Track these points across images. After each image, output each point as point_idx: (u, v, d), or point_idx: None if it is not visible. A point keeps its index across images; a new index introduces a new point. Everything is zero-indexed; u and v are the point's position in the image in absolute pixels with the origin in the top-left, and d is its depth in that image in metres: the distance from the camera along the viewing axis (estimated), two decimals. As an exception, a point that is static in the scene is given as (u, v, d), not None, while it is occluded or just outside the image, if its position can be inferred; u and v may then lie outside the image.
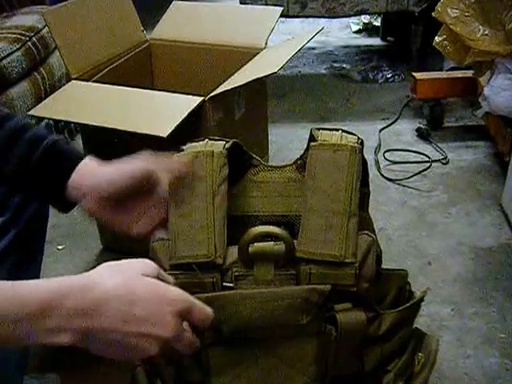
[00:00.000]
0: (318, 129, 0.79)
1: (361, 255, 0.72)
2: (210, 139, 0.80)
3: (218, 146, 0.78)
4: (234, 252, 0.73)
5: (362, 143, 0.77)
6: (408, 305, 0.80)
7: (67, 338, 0.56)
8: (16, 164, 0.75)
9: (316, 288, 0.71)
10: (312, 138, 0.78)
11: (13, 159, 0.75)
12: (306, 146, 0.79)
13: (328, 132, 0.78)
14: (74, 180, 0.74)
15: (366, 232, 0.74)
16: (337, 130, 0.78)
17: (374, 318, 0.76)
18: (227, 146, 0.78)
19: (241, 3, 2.29)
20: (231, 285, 0.73)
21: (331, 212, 0.72)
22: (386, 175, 1.79)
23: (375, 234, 0.77)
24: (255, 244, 0.72)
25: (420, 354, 0.82)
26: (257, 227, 0.73)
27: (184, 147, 0.80)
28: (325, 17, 2.36)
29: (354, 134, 0.78)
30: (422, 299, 0.82)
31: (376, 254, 0.74)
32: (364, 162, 0.77)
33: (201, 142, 0.80)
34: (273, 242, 0.73)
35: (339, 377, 0.76)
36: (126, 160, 0.75)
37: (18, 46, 1.69)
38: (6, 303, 0.54)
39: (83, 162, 0.75)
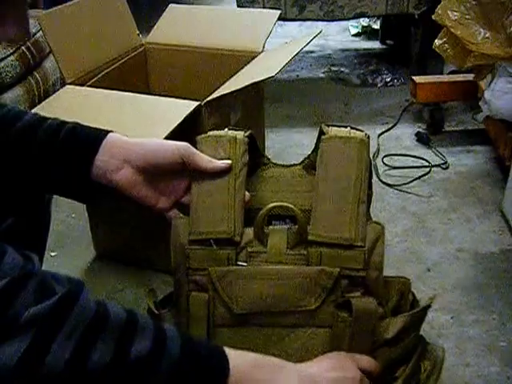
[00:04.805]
0: (328, 125, 0.83)
1: (370, 242, 0.75)
2: (230, 129, 0.84)
3: (240, 133, 0.82)
4: (249, 233, 0.77)
5: (368, 138, 0.81)
6: (417, 310, 0.82)
7: None
8: (38, 149, 0.74)
9: (325, 269, 0.74)
10: (322, 134, 0.82)
11: (34, 146, 0.74)
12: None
13: (337, 128, 0.82)
14: (104, 153, 0.74)
15: (375, 221, 0.78)
16: (345, 126, 0.83)
17: (383, 317, 0.78)
18: (246, 134, 0.83)
19: (238, 6, 2.28)
20: (244, 264, 0.76)
21: (341, 198, 0.76)
22: (384, 180, 1.77)
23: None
24: (270, 226, 0.78)
25: (426, 362, 0.84)
26: (273, 203, 0.78)
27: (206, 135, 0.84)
28: (323, 20, 2.34)
29: (362, 131, 0.82)
30: (429, 305, 0.83)
31: None
32: (369, 160, 0.80)
33: (221, 132, 0.83)
34: (286, 225, 0.78)
35: None
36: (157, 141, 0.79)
37: (11, 51, 1.67)
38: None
39: (109, 136, 0.76)
